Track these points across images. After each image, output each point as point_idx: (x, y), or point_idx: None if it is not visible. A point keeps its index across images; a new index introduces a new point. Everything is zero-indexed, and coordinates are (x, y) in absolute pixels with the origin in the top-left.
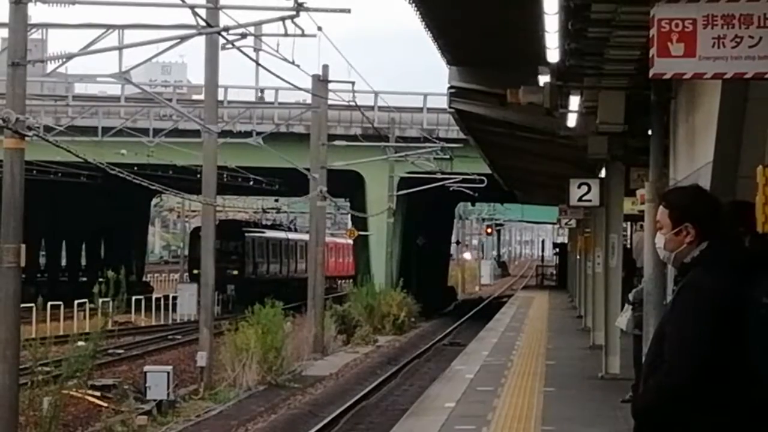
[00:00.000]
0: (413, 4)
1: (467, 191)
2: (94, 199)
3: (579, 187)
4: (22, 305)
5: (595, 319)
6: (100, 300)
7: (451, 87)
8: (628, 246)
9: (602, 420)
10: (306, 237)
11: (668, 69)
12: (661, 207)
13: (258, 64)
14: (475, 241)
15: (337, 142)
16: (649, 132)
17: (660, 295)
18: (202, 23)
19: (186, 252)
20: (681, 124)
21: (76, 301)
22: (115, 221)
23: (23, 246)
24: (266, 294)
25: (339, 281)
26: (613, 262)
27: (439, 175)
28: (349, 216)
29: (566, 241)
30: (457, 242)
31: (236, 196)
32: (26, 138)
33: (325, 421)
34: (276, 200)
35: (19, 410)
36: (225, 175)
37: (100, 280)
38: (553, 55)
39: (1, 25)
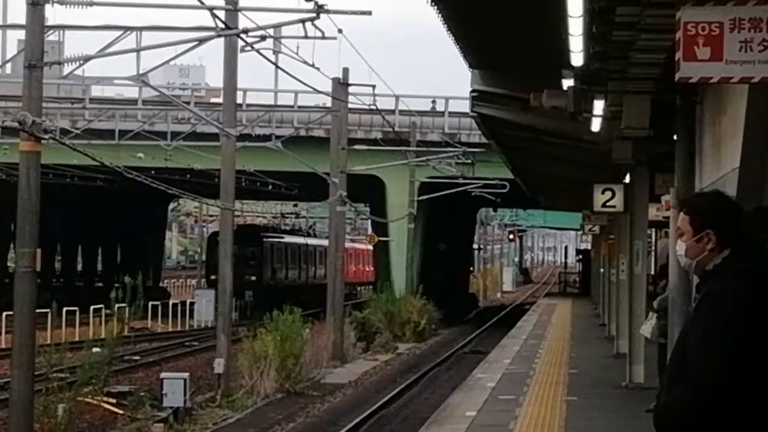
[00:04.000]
0: (435, 7)
1: (489, 196)
2: (111, 203)
3: (603, 192)
4: (38, 311)
5: (619, 327)
6: (117, 306)
7: (473, 91)
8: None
9: (626, 430)
10: (325, 242)
11: (694, 73)
12: (682, 214)
13: (277, 66)
14: (497, 248)
15: (357, 147)
16: (675, 137)
17: (685, 303)
18: (221, 25)
19: (203, 257)
20: (707, 129)
21: (92, 307)
22: (132, 226)
23: (39, 250)
24: (285, 300)
25: (359, 287)
26: (638, 269)
27: (460, 180)
28: (369, 221)
29: (590, 248)
30: (479, 248)
31: (255, 201)
32: (42, 141)
33: (344, 430)
34: (295, 205)
35: (34, 417)
36: (243, 180)
37: (117, 285)
38: (577, 58)
39: (17, 26)
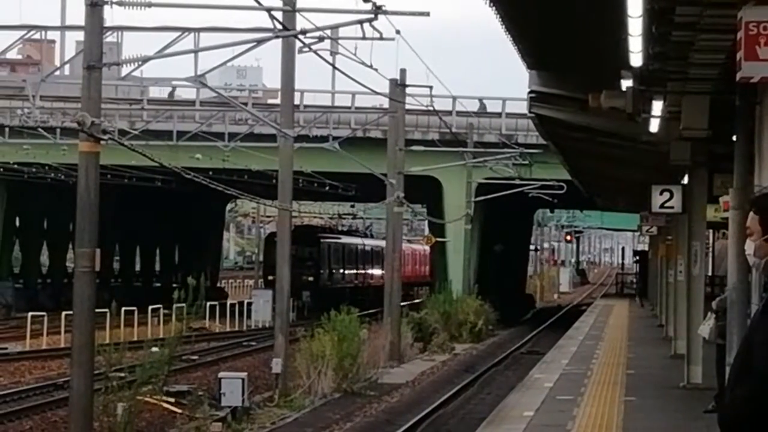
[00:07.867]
0: (494, 8)
1: (546, 197)
2: (169, 204)
3: (661, 193)
4: (97, 310)
5: (676, 327)
6: (175, 305)
7: (531, 91)
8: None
9: (684, 430)
10: (382, 243)
11: (756, 72)
12: (750, 213)
13: (335, 67)
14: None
15: (414, 147)
16: (734, 138)
17: (744, 304)
18: (279, 26)
19: (261, 258)
20: (767, 129)
21: (150, 307)
22: (190, 226)
23: (98, 251)
24: (342, 300)
25: (416, 288)
26: (696, 269)
27: (517, 181)
28: (426, 222)
29: (647, 249)
30: (536, 249)
31: (312, 202)
32: (101, 142)
33: (402, 430)
34: (352, 206)
35: (94, 415)
36: (301, 180)
37: (175, 285)
38: (636, 59)
39: (76, 27)
